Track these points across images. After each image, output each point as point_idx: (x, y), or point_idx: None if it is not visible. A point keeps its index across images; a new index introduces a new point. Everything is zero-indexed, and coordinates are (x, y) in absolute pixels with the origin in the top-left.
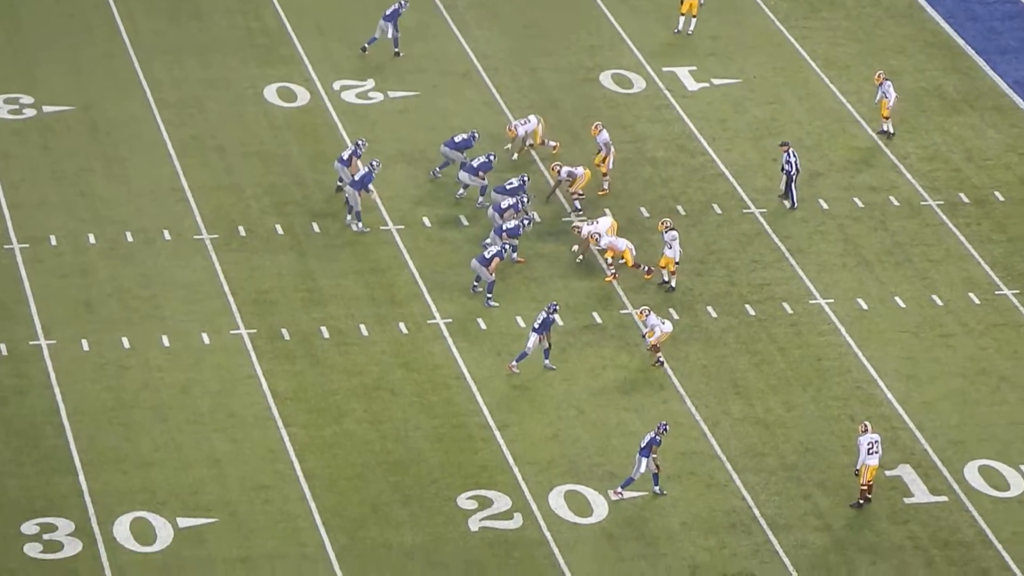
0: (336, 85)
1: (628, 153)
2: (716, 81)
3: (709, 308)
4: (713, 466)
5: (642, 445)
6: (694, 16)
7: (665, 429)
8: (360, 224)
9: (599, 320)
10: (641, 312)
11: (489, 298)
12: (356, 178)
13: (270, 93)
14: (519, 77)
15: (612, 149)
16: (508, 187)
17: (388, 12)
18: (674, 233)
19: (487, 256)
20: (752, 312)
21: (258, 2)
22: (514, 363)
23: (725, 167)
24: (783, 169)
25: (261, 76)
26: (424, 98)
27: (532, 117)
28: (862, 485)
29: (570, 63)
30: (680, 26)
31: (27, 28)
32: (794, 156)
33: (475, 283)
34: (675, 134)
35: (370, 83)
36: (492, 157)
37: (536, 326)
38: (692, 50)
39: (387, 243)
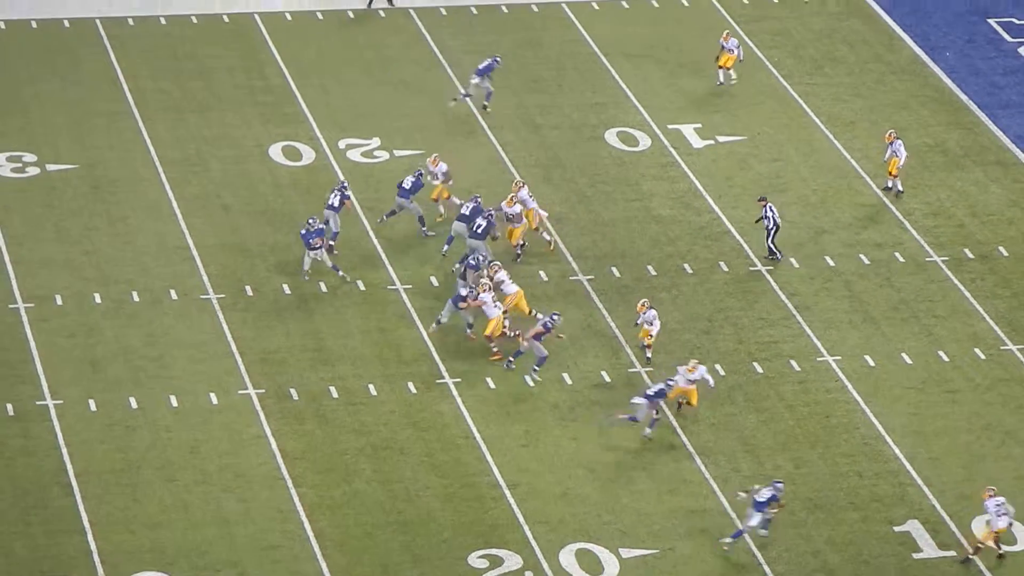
0: (341, 144)
1: (634, 211)
2: (721, 138)
3: (717, 366)
4: (723, 523)
5: (759, 500)
6: (729, 68)
7: (780, 485)
8: (425, 228)
9: (607, 378)
10: (642, 305)
11: (536, 370)
12: (407, 187)
13: (275, 151)
14: (524, 135)
15: (533, 206)
16: (478, 230)
17: (481, 67)
18: (653, 312)
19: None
20: (760, 370)
21: (261, 60)
22: (621, 415)
23: (731, 224)
24: (765, 224)
25: (266, 134)
26: (429, 156)
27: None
28: (987, 544)
29: (575, 121)
30: (721, 79)
31: (30, 86)
32: (772, 211)
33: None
34: (681, 192)
35: (375, 142)
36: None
37: (650, 393)
38: (697, 107)
39: (394, 302)
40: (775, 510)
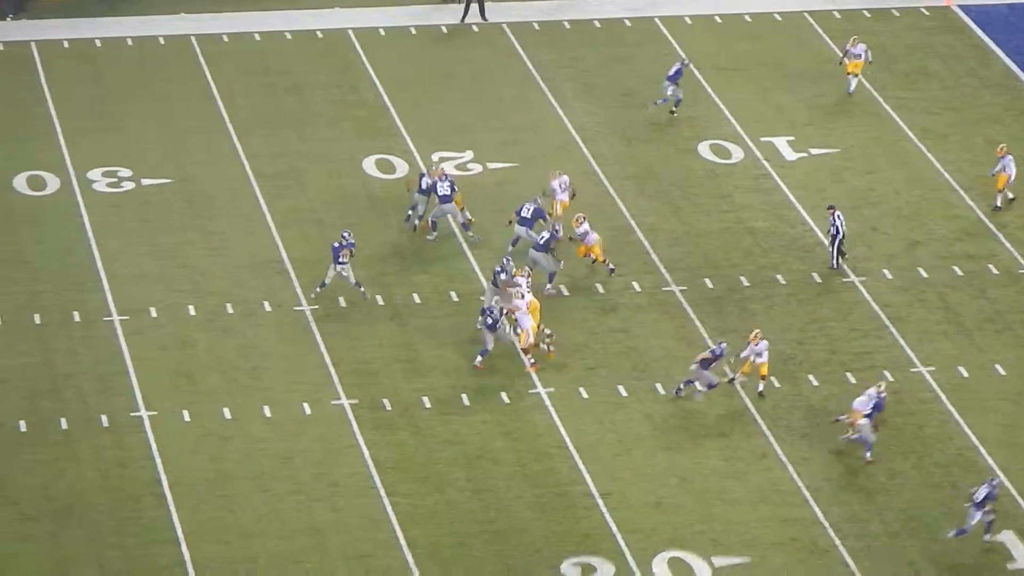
0: (435, 156)
1: (727, 223)
2: (814, 151)
3: (810, 376)
4: (816, 532)
5: (977, 500)
6: (857, 76)
7: (996, 482)
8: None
9: (700, 387)
10: (755, 335)
11: (702, 392)
12: (447, 193)
13: (368, 165)
14: (617, 148)
15: (560, 196)
16: (541, 241)
17: (671, 73)
18: (765, 343)
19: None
20: (853, 380)
21: (355, 75)
22: (866, 455)
23: (823, 237)
24: (830, 232)
25: (359, 148)
26: (522, 170)
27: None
28: None
29: (668, 133)
30: (852, 87)
31: (125, 102)
32: (840, 219)
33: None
34: (774, 204)
35: (468, 155)
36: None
37: (868, 412)
38: (790, 120)
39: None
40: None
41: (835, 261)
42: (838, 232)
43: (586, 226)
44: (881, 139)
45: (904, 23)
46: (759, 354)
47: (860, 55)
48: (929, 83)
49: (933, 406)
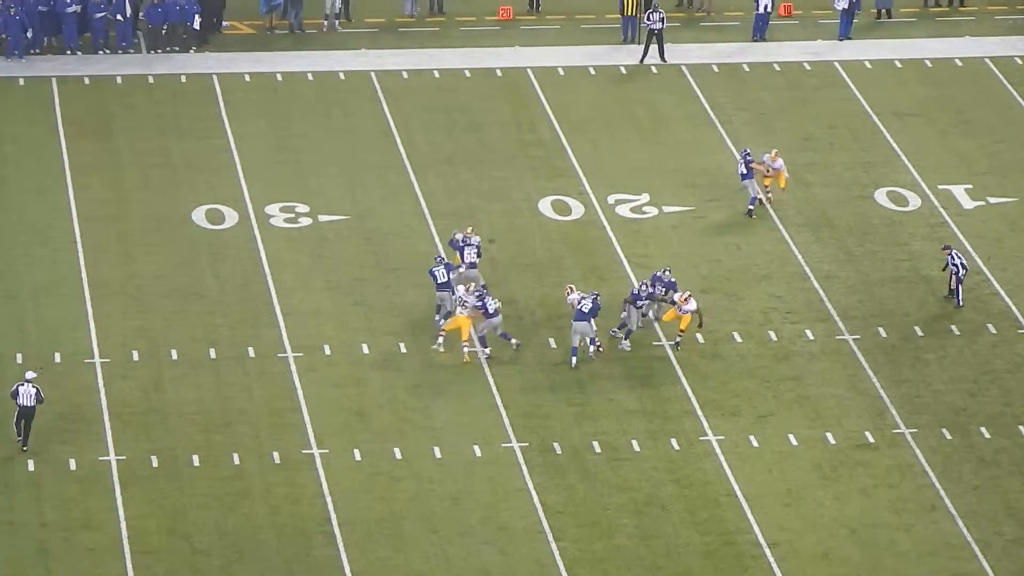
0: (611, 199)
1: (903, 271)
2: (992, 199)
3: (983, 429)
4: None
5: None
6: None
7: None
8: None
9: (871, 439)
10: None
11: None
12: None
13: (544, 206)
14: (793, 192)
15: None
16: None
17: None
18: None
19: None
20: None
21: (533, 115)
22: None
23: (1000, 286)
24: (950, 272)
25: (535, 188)
26: (698, 213)
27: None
28: None
29: (845, 179)
30: None
31: (304, 138)
32: (959, 257)
33: None
34: None
35: (644, 197)
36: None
37: None
38: (968, 168)
39: (660, 358)
40: None
41: (959, 299)
42: (958, 270)
43: (693, 303)
44: None
45: None
46: None
47: None
48: None
49: None
